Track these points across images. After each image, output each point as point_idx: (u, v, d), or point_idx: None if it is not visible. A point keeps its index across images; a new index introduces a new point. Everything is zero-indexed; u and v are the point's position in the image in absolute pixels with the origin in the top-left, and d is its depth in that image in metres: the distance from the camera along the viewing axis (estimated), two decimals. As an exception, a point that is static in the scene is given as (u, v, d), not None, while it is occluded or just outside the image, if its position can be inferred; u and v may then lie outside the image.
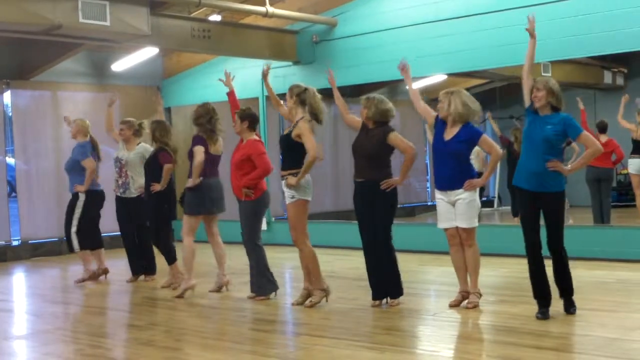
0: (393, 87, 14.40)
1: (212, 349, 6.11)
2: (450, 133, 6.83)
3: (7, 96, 12.44)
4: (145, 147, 9.27)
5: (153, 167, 8.75)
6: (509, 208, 14.15)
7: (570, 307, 6.41)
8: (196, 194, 8.10)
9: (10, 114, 12.21)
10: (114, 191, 9.40)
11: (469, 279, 6.94)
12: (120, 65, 13.21)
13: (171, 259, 8.83)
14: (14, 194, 13.32)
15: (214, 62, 13.32)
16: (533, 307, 6.34)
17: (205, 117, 8.15)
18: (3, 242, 12.19)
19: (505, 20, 10.11)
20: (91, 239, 9.39)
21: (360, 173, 7.10)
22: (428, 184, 17.07)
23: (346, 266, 9.70)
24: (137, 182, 9.18)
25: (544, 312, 6.28)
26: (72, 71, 12.94)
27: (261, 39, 11.84)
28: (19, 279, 10.70)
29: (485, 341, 5.78)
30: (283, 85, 12.51)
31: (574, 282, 6.43)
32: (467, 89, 13.99)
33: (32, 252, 12.34)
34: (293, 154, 7.34)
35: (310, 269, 7.32)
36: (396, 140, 7.00)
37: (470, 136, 6.80)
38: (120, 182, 9.30)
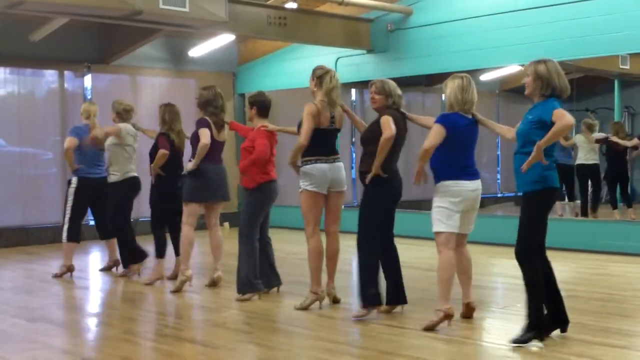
0: (468, 77, 14.24)
1: (282, 333, 6.21)
2: None
3: (88, 79, 12.78)
4: (125, 126, 8.68)
5: (153, 153, 8.23)
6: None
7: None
8: (197, 180, 7.70)
9: (90, 97, 12.52)
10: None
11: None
12: (197, 51, 13.43)
13: (158, 252, 8.36)
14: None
15: (289, 49, 13.42)
16: (604, 303, 6.25)
17: (212, 101, 7.75)
18: (81, 222, 12.50)
19: (583, 11, 9.93)
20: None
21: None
22: (498, 176, 16.90)
23: (414, 255, 9.72)
24: (115, 165, 8.63)
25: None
26: (150, 56, 13.22)
27: (336, 27, 11.87)
28: (95, 257, 10.98)
29: (555, 337, 5.72)
30: (357, 73, 12.57)
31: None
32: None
33: (108, 232, 12.62)
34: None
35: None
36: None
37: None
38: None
